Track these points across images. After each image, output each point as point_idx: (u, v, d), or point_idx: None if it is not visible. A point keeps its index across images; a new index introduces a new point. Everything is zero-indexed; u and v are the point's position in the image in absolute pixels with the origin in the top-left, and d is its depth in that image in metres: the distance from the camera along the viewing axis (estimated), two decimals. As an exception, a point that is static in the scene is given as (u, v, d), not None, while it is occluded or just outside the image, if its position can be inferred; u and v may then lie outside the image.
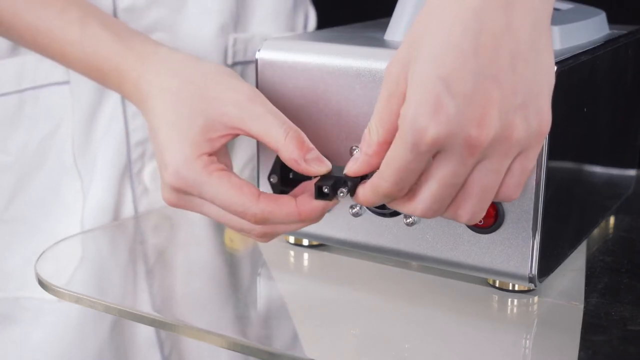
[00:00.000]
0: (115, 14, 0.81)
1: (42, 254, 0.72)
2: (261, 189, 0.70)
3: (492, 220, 0.61)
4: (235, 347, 0.59)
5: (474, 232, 0.62)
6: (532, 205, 0.59)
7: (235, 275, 0.73)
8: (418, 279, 0.67)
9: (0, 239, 0.84)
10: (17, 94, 0.82)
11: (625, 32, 0.74)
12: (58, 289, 0.67)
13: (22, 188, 0.83)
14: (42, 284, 0.67)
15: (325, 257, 0.71)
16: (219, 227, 0.80)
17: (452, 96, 0.47)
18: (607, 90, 0.69)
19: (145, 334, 0.86)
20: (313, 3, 0.99)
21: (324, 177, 0.57)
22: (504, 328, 0.60)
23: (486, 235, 0.62)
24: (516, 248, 0.61)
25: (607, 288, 0.65)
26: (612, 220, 0.80)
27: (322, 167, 0.58)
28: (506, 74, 0.48)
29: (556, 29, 0.64)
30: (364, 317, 0.62)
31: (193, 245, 0.79)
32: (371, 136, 0.52)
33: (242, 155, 0.92)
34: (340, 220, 0.67)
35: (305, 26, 0.97)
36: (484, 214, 0.53)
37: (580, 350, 0.56)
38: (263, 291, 0.69)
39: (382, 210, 0.65)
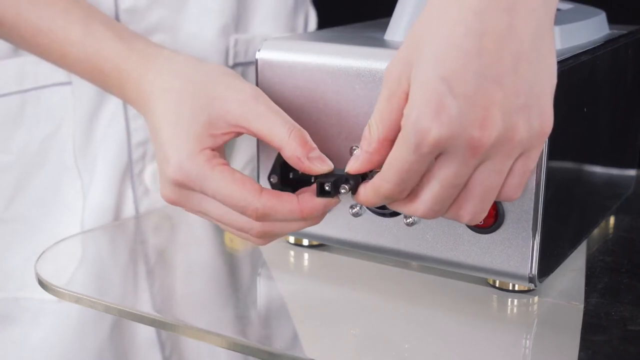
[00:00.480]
0: (117, 15, 0.81)
1: (42, 254, 0.72)
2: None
3: (492, 220, 0.61)
4: (235, 347, 0.59)
5: (474, 232, 0.62)
6: (532, 205, 0.59)
7: (235, 275, 0.73)
8: (418, 279, 0.67)
9: (0, 239, 0.84)
10: (18, 94, 0.82)
11: (625, 32, 0.74)
12: (58, 289, 0.67)
13: (22, 188, 0.83)
14: (42, 284, 0.67)
15: (325, 257, 0.71)
16: (219, 228, 0.80)
17: (454, 97, 0.47)
18: (607, 90, 0.69)
19: (145, 334, 0.86)
20: (313, 3, 0.99)
21: (325, 176, 0.57)
22: (504, 328, 0.60)
23: (486, 235, 0.62)
24: (516, 248, 0.61)
25: (607, 288, 0.65)
26: (612, 220, 0.80)
27: (325, 165, 0.58)
28: (509, 75, 0.48)
29: (556, 29, 0.64)
30: (364, 317, 0.62)
31: (193, 246, 0.79)
32: (372, 134, 0.52)
33: (242, 155, 0.92)
34: (340, 220, 0.67)
35: (305, 27, 0.97)
36: (485, 214, 0.53)
37: (580, 350, 0.56)
38: (263, 291, 0.69)
39: (382, 210, 0.65)
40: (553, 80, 0.50)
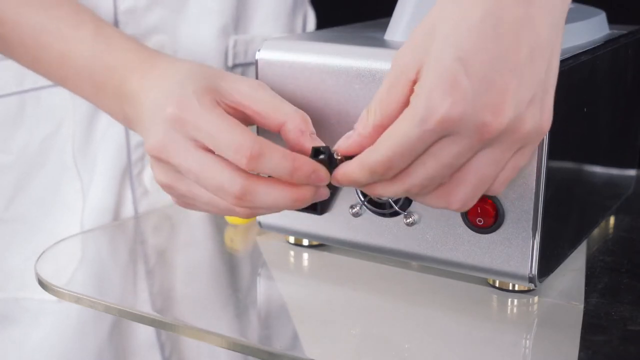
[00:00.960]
0: (116, 16, 0.81)
1: (42, 254, 0.72)
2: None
3: (492, 220, 0.61)
4: (235, 347, 0.59)
5: (474, 232, 0.62)
6: (532, 205, 0.59)
7: (235, 275, 0.73)
8: (418, 279, 0.67)
9: (0, 239, 0.84)
10: (18, 94, 0.82)
11: (625, 32, 0.74)
12: (58, 289, 0.67)
13: (22, 188, 0.83)
14: (42, 284, 0.67)
15: (325, 257, 0.71)
16: (219, 227, 0.80)
17: (469, 77, 0.47)
18: (607, 90, 0.69)
19: (145, 335, 0.86)
20: (312, 3, 0.99)
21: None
22: (504, 328, 0.60)
23: (486, 235, 0.62)
24: (516, 248, 0.61)
25: (607, 288, 0.65)
26: (612, 220, 0.80)
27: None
28: (524, 66, 0.48)
29: (556, 29, 0.64)
30: (364, 317, 0.62)
31: (193, 246, 0.79)
32: (369, 118, 0.51)
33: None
34: (340, 220, 0.67)
35: (304, 27, 0.97)
36: (474, 203, 0.53)
37: (580, 350, 0.56)
38: (263, 291, 0.69)
39: (382, 210, 0.65)
40: (556, 80, 0.51)
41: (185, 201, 0.61)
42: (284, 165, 0.54)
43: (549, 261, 0.63)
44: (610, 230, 0.78)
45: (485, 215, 0.61)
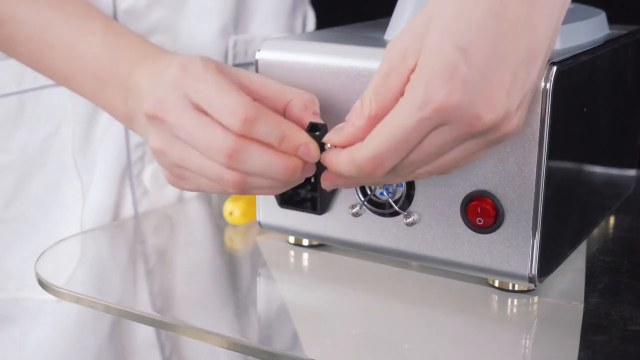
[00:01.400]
0: (115, 16, 0.81)
1: (42, 254, 0.72)
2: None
3: (492, 220, 0.61)
4: (235, 347, 0.59)
5: (474, 232, 0.62)
6: (532, 205, 0.59)
7: (235, 275, 0.73)
8: (418, 279, 0.67)
9: (0, 239, 0.84)
10: (17, 94, 0.82)
11: (625, 32, 0.74)
12: (58, 289, 0.67)
13: (22, 188, 0.83)
14: (42, 284, 0.67)
15: (325, 257, 0.71)
16: (219, 227, 0.80)
17: (469, 68, 0.46)
18: (607, 90, 0.69)
19: (145, 335, 0.86)
20: (312, 3, 0.99)
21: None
22: (504, 328, 0.60)
23: (486, 235, 0.62)
24: (516, 248, 0.61)
25: (607, 288, 0.65)
26: (612, 220, 0.80)
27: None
28: (521, 66, 0.48)
29: (556, 29, 0.64)
30: (364, 317, 0.62)
31: (193, 246, 0.79)
32: (363, 108, 0.51)
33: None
34: (340, 220, 0.67)
35: (304, 27, 0.97)
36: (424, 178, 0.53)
37: (580, 350, 0.56)
38: (263, 291, 0.69)
39: (382, 210, 0.65)
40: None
41: (177, 173, 0.60)
42: (275, 131, 0.54)
43: (549, 261, 0.63)
44: (610, 230, 0.78)
45: (485, 215, 0.61)
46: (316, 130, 0.55)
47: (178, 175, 0.61)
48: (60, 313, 0.83)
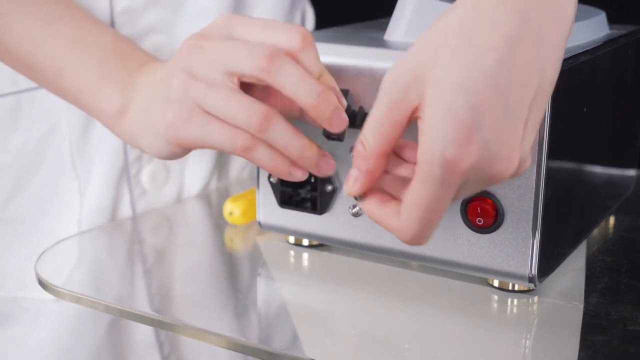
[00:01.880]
0: (112, 16, 0.80)
1: (42, 254, 0.72)
2: (261, 189, 0.70)
3: (492, 220, 0.61)
4: (235, 347, 0.59)
5: (474, 232, 0.62)
6: (532, 205, 0.59)
7: (235, 275, 0.73)
8: (418, 279, 0.67)
9: (-1, 239, 0.85)
10: (13, 95, 0.82)
11: (625, 32, 0.74)
12: (58, 289, 0.67)
13: (20, 188, 0.83)
14: (42, 284, 0.67)
15: (325, 257, 0.71)
16: (219, 227, 0.80)
17: (483, 130, 0.45)
18: (607, 90, 0.69)
19: (143, 334, 0.86)
20: (312, 2, 0.99)
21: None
22: (504, 328, 0.60)
23: (486, 235, 0.62)
24: (516, 248, 0.61)
25: (607, 288, 0.65)
26: (612, 220, 0.80)
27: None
28: (532, 111, 0.47)
29: (556, 29, 0.64)
30: (364, 317, 0.62)
31: (193, 246, 0.79)
32: (367, 149, 0.50)
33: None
34: (340, 220, 0.67)
35: (302, 24, 0.97)
36: None
37: (580, 350, 0.56)
38: (263, 291, 0.69)
39: (382, 210, 0.65)
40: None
41: (189, 112, 0.59)
42: (295, 141, 0.57)
43: (548, 261, 0.63)
44: (610, 230, 0.78)
45: (485, 215, 0.61)
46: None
47: (187, 117, 0.59)
48: (60, 312, 0.83)
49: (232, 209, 0.77)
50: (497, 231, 0.61)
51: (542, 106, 0.48)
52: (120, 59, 0.70)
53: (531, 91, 0.47)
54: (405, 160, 0.52)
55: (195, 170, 0.88)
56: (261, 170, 0.70)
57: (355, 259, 0.70)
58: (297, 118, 0.61)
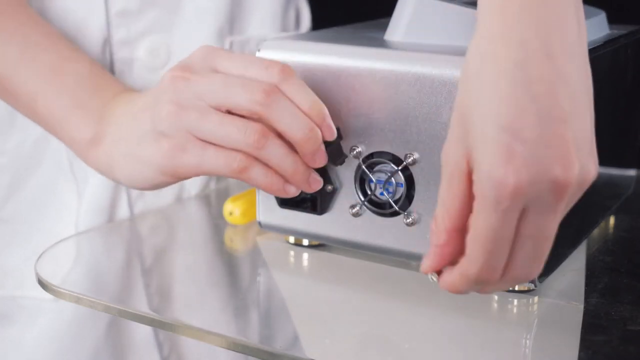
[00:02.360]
0: (108, 18, 0.80)
1: (42, 254, 0.72)
2: (261, 192, 0.70)
3: (492, 220, 0.61)
4: (235, 347, 0.59)
5: (474, 232, 0.62)
6: (532, 205, 0.59)
7: (235, 275, 0.73)
8: (418, 279, 0.67)
9: (-3, 239, 0.85)
10: None
11: (625, 32, 0.74)
12: (58, 289, 0.67)
13: (18, 188, 0.83)
14: (42, 283, 0.67)
15: (325, 257, 0.71)
16: (219, 227, 0.80)
17: (522, 142, 0.45)
18: (607, 90, 0.69)
19: (143, 335, 0.86)
20: (311, 2, 0.99)
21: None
22: (504, 328, 0.60)
23: (486, 235, 0.62)
24: (516, 248, 0.61)
25: (607, 288, 0.65)
26: (612, 220, 0.80)
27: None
28: (571, 116, 0.46)
29: (556, 29, 0.64)
30: (364, 317, 0.62)
31: (193, 246, 0.79)
32: (438, 226, 0.49)
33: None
34: (340, 220, 0.67)
35: (297, 23, 0.96)
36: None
37: (580, 350, 0.56)
38: (263, 291, 0.69)
39: (382, 210, 0.65)
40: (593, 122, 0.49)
41: (183, 141, 0.60)
42: (289, 158, 0.59)
43: (549, 261, 0.62)
44: (610, 230, 0.78)
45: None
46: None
47: (182, 145, 0.60)
48: (58, 312, 0.83)
49: (232, 209, 0.77)
50: (497, 231, 0.61)
51: (585, 114, 0.48)
52: (95, 88, 0.70)
53: (563, 101, 0.46)
54: None
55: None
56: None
57: (355, 259, 0.70)
58: None
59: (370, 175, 0.64)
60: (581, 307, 0.62)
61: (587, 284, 0.65)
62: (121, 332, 0.85)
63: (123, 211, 0.85)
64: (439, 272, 0.51)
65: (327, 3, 1.04)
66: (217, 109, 0.59)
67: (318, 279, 0.69)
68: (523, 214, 0.47)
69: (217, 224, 0.81)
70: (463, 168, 0.48)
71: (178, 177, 0.63)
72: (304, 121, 0.59)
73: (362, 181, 0.65)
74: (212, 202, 0.87)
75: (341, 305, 0.64)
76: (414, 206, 0.63)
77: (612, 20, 0.75)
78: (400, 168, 0.63)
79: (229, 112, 0.59)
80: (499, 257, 0.48)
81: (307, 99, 0.59)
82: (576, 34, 0.49)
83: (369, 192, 0.65)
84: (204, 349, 0.88)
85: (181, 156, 0.61)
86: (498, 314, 0.62)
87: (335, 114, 0.64)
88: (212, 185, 0.90)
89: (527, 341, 0.59)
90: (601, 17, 0.73)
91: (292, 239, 0.73)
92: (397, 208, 0.64)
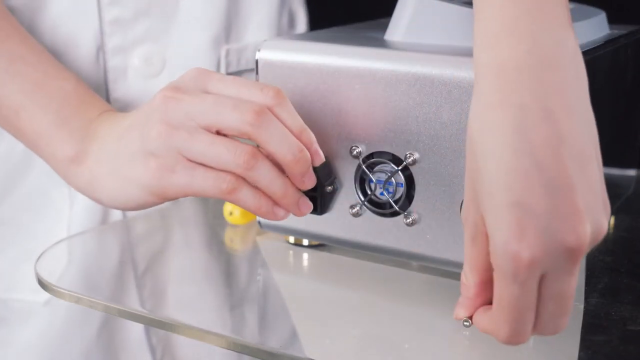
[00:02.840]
0: (101, 26, 0.80)
1: (41, 255, 0.72)
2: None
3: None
4: (235, 347, 0.59)
5: (474, 232, 0.62)
6: (532, 205, 0.59)
7: (235, 275, 0.73)
8: (418, 279, 0.67)
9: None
10: None
11: (625, 32, 0.74)
12: (58, 289, 0.67)
13: (10, 192, 0.83)
14: (42, 284, 0.67)
15: (325, 257, 0.71)
16: (219, 227, 0.80)
17: (533, 216, 0.45)
18: (607, 90, 0.69)
19: (135, 338, 0.85)
20: (311, 2, 0.99)
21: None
22: (504, 328, 0.60)
23: (486, 235, 0.62)
24: (516, 248, 0.61)
25: (607, 288, 0.65)
26: (612, 220, 0.80)
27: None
28: (579, 178, 0.46)
29: (556, 29, 0.64)
30: (364, 317, 0.62)
31: (193, 246, 0.79)
32: (467, 281, 0.52)
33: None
34: (340, 220, 0.67)
35: (291, 25, 0.96)
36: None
37: (580, 350, 0.56)
38: (263, 291, 0.69)
39: (382, 210, 0.65)
40: (602, 171, 0.50)
41: (172, 162, 0.60)
42: (279, 180, 0.59)
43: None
44: (610, 230, 0.78)
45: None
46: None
47: (171, 165, 0.60)
48: (49, 315, 0.83)
49: (232, 209, 0.77)
50: (497, 231, 0.61)
51: (592, 169, 0.47)
52: (79, 106, 0.69)
53: (567, 162, 0.46)
54: None
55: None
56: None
57: (355, 259, 0.70)
58: None
59: (370, 175, 0.64)
60: (581, 307, 0.62)
61: (587, 284, 0.65)
62: (113, 335, 0.85)
63: (116, 214, 0.84)
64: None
65: (326, 3, 1.04)
66: (208, 129, 0.58)
67: (318, 279, 0.69)
68: (542, 279, 0.47)
69: (217, 224, 0.81)
70: (482, 229, 0.49)
71: (165, 198, 0.62)
72: (294, 143, 0.58)
73: (362, 181, 0.65)
74: (212, 202, 0.87)
75: (341, 305, 0.64)
76: (414, 206, 0.63)
77: (612, 20, 0.75)
78: (400, 168, 0.63)
79: (220, 135, 0.59)
80: (524, 322, 0.49)
81: (298, 123, 0.59)
82: (577, 91, 0.49)
83: (369, 192, 0.65)
84: (197, 351, 0.88)
85: (170, 176, 0.60)
86: (498, 314, 0.62)
87: (335, 114, 0.65)
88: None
89: (527, 341, 0.59)
90: (601, 17, 0.73)
91: (292, 239, 0.73)
92: (397, 208, 0.64)
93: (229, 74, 0.88)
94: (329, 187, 0.66)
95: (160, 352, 0.86)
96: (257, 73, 0.68)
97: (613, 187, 0.77)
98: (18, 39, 0.72)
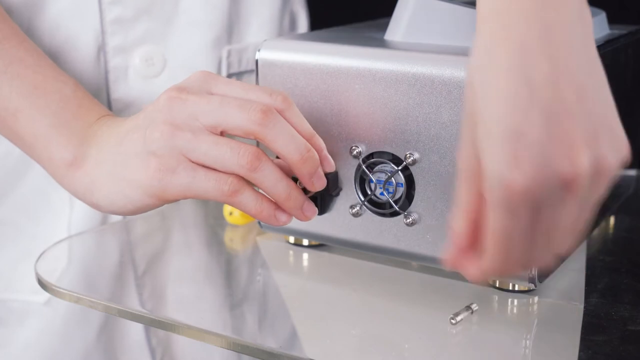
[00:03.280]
0: (102, 26, 0.80)
1: (41, 255, 0.72)
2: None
3: (492, 220, 0.61)
4: (235, 347, 0.59)
5: (474, 232, 0.62)
6: (532, 205, 0.59)
7: (235, 275, 0.73)
8: (418, 279, 0.67)
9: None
10: None
11: (625, 32, 0.74)
12: (59, 289, 0.67)
13: (9, 192, 0.83)
14: (43, 284, 0.67)
15: (325, 257, 0.71)
16: (219, 227, 0.80)
17: (527, 143, 0.45)
18: (607, 90, 0.69)
19: (135, 340, 0.85)
20: (311, 2, 0.99)
21: None
22: (504, 328, 0.60)
23: (486, 235, 0.62)
24: (516, 248, 0.61)
25: (607, 288, 0.65)
26: (612, 220, 0.80)
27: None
28: (577, 107, 0.46)
29: (556, 29, 0.64)
30: (364, 317, 0.62)
31: (193, 246, 0.79)
32: (458, 226, 0.51)
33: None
34: (340, 220, 0.67)
35: (293, 26, 0.96)
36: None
37: (580, 350, 0.56)
38: (262, 291, 0.69)
39: (382, 210, 0.65)
40: (616, 113, 0.49)
41: (173, 162, 0.59)
42: (282, 182, 0.58)
43: (549, 261, 0.63)
44: (610, 230, 0.78)
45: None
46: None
47: (171, 166, 0.59)
48: (47, 315, 0.82)
49: (232, 209, 0.77)
50: (497, 231, 0.61)
51: (593, 101, 0.47)
52: (78, 110, 0.68)
53: (565, 91, 0.46)
54: None
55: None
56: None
57: (355, 259, 0.70)
58: None
59: (370, 175, 0.64)
60: (581, 307, 0.62)
61: (587, 284, 0.65)
62: (113, 336, 0.85)
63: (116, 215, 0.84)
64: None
65: (326, 3, 1.04)
66: (213, 130, 0.58)
67: (318, 279, 0.69)
68: (538, 211, 0.47)
69: (217, 224, 0.81)
70: (476, 167, 0.48)
71: (164, 200, 0.61)
72: (301, 142, 0.58)
73: (362, 181, 0.65)
74: (212, 202, 0.87)
75: (341, 305, 0.64)
76: (414, 206, 0.63)
77: (612, 20, 0.75)
78: (400, 168, 0.63)
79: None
80: (516, 252, 0.48)
81: (307, 126, 0.59)
82: (579, 30, 0.49)
83: (369, 192, 0.65)
84: (197, 353, 0.87)
85: (170, 177, 0.59)
86: (498, 314, 0.62)
87: (335, 114, 0.65)
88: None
89: (527, 341, 0.59)
90: (601, 17, 0.73)
91: (292, 239, 0.73)
92: (397, 208, 0.64)
93: (230, 74, 0.88)
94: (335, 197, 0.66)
95: (160, 352, 0.86)
96: (257, 73, 0.68)
97: (613, 187, 0.77)
98: (16, 41, 0.71)
